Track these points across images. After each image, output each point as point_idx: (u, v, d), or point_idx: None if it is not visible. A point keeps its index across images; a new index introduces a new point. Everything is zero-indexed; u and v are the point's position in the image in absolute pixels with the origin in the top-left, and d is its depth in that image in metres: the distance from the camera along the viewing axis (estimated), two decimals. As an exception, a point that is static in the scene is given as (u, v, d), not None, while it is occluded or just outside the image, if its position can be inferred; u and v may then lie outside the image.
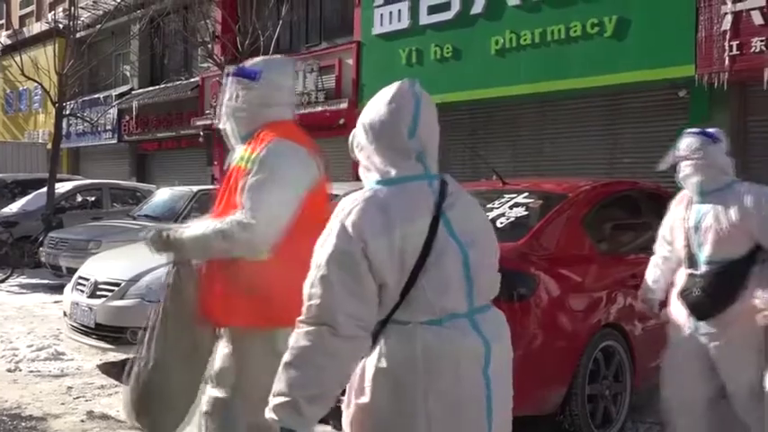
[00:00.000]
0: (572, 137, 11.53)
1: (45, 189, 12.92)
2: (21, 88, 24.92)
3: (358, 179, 2.10)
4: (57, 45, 14.71)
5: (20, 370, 5.93)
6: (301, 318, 1.91)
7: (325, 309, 1.85)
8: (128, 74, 21.92)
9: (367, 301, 1.86)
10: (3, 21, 29.39)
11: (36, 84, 15.70)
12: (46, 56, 15.75)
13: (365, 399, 1.95)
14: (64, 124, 16.44)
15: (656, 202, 5.60)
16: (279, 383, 1.89)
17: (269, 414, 1.90)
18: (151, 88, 20.50)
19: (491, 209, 4.63)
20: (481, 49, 11.79)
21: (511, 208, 4.59)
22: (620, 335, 4.37)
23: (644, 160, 10.63)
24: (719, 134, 3.52)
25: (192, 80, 18.78)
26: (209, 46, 12.01)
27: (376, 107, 2.01)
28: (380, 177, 1.98)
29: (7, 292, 10.41)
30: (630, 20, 10.18)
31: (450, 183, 2.03)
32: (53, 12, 20.60)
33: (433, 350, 1.88)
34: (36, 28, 24.28)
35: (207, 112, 17.34)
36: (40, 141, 22.69)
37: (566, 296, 4.17)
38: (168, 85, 19.90)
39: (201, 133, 17.56)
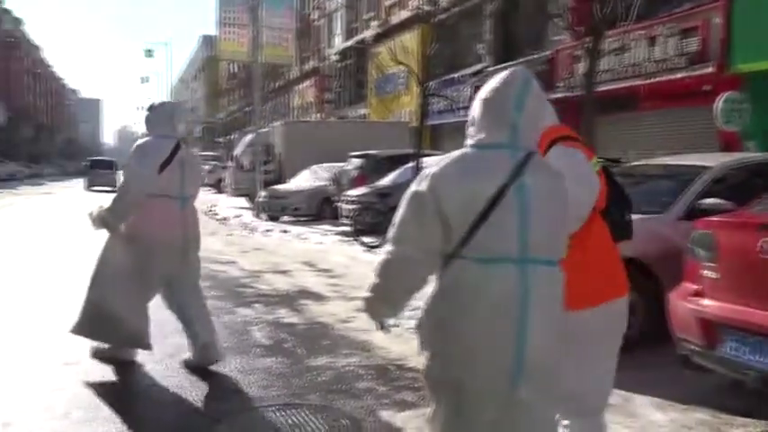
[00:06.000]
0: None
1: (412, 164, 14.11)
2: (387, 72, 27.34)
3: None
4: (421, 30, 15.87)
5: (398, 326, 6.54)
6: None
7: (394, 234, 2.38)
8: (482, 52, 22.78)
9: (428, 231, 2.31)
10: (374, 13, 32.59)
11: (402, 67, 17.11)
12: (411, 40, 17.07)
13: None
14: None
15: None
16: None
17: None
18: (503, 65, 21.05)
19: None
20: None
21: None
22: None
23: None
24: None
25: (544, 54, 18.85)
26: (567, 17, 11.95)
27: (490, 86, 2.44)
28: (471, 142, 2.41)
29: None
30: None
31: (536, 156, 2.38)
32: (417, -1, 22.17)
33: (471, 280, 2.29)
34: (400, 16, 26.44)
35: (557, 85, 17.29)
36: (404, 120, 24.75)
37: None
38: (519, 60, 20.24)
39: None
